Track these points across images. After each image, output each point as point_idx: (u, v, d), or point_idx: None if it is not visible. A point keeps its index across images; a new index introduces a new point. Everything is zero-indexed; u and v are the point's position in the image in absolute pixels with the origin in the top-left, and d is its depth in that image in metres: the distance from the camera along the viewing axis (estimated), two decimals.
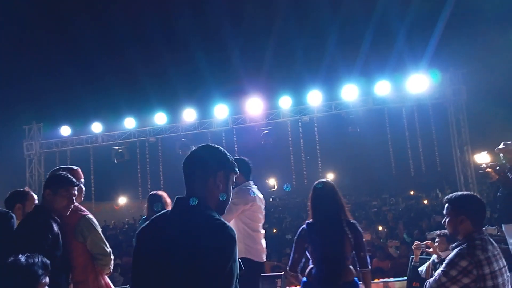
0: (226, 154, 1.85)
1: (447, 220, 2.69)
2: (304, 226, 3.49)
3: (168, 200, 4.75)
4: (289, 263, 3.53)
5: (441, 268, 2.56)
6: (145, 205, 4.75)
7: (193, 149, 1.89)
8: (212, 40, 16.23)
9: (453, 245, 2.65)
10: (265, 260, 4.00)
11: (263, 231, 4.07)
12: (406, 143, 11.82)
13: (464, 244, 2.54)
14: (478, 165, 6.26)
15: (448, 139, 11.41)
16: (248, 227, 3.85)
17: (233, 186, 1.91)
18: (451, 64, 11.42)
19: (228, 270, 1.56)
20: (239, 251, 3.53)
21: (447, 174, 15.11)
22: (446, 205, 2.72)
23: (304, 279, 3.50)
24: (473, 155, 10.92)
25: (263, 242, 4.01)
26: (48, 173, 3.15)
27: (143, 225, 1.83)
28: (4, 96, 14.75)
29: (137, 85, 15.40)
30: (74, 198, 2.94)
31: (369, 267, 3.49)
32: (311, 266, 3.45)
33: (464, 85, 11.19)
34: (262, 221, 4.05)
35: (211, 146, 1.88)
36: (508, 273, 2.52)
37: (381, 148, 13.08)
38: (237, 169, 1.89)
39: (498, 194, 5.50)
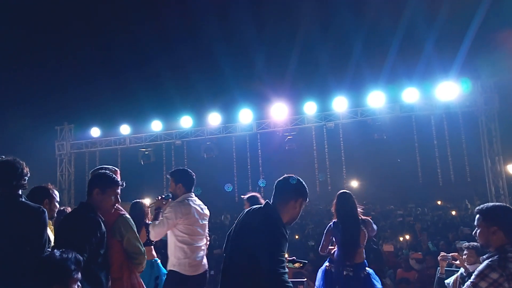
0: (305, 186, 2.70)
1: (478, 231, 2.62)
2: (331, 223, 4.83)
3: (147, 209, 4.90)
4: (320, 247, 4.90)
5: (470, 280, 2.49)
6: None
7: (285, 176, 2.71)
8: (237, 46, 16.38)
9: (484, 257, 2.57)
10: (198, 273, 3.87)
11: (201, 244, 3.98)
12: (435, 152, 11.52)
13: (496, 256, 2.47)
14: (511, 176, 6.06)
15: (478, 148, 11.03)
16: (180, 240, 3.81)
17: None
18: (483, 72, 11.07)
19: (276, 248, 2.39)
20: (171, 264, 3.59)
21: (477, 185, 14.63)
22: (477, 216, 2.65)
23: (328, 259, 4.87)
24: (505, 166, 10.52)
25: (200, 255, 3.93)
26: (91, 172, 3.22)
27: (245, 211, 2.77)
28: (39, 97, 15.38)
29: (164, 89, 15.71)
30: (118, 197, 3.06)
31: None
32: (335, 249, 4.82)
33: (496, 93, 10.82)
34: (202, 234, 3.97)
35: (298, 178, 2.70)
36: None
37: (408, 156, 12.81)
38: (308, 198, 2.71)
39: None
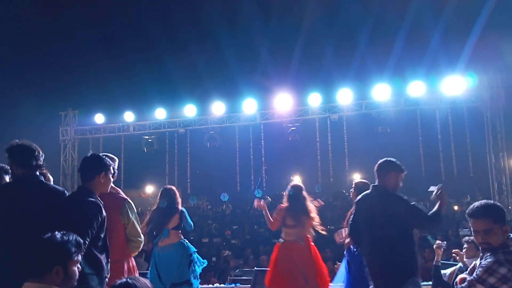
0: (396, 162, 3.59)
1: (491, 235, 2.47)
2: None
3: (178, 195, 4.92)
4: None
5: (476, 275, 2.44)
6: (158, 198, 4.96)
7: (381, 160, 3.64)
8: (243, 35, 16.24)
9: (487, 253, 2.50)
10: None
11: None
12: (438, 147, 11.49)
13: (500, 251, 2.44)
14: None
15: (483, 144, 10.99)
16: None
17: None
18: (490, 67, 10.97)
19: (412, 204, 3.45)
20: None
21: (480, 180, 14.56)
22: (484, 219, 2.50)
23: None
24: (509, 162, 10.49)
25: None
26: (85, 160, 3.14)
27: (359, 198, 3.68)
28: (44, 82, 15.39)
29: (169, 77, 15.65)
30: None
31: None
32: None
33: (503, 89, 10.74)
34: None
35: (392, 160, 3.61)
36: None
37: (411, 150, 12.74)
38: (403, 170, 3.59)
39: None
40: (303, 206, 4.80)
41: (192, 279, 4.67)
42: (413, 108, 11.41)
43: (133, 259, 3.35)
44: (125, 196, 3.31)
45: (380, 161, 3.64)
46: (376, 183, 3.60)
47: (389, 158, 3.64)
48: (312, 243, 4.86)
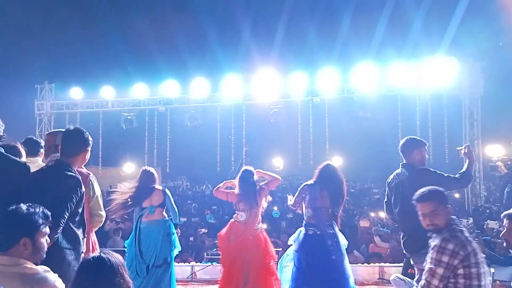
0: (418, 139, 3.97)
1: (437, 216, 2.69)
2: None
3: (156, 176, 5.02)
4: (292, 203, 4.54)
5: (429, 260, 2.59)
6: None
7: (403, 140, 4.00)
8: (226, 15, 16.00)
9: (434, 234, 2.70)
10: None
11: None
12: (416, 133, 11.66)
13: (445, 230, 2.65)
14: (488, 159, 6.21)
15: (459, 131, 11.24)
16: None
17: None
18: (470, 55, 11.13)
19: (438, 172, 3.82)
20: None
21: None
22: (429, 202, 2.72)
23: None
24: (484, 150, 10.78)
25: None
26: (69, 134, 2.98)
27: (390, 178, 4.01)
28: (18, 53, 14.79)
29: (150, 53, 15.31)
30: None
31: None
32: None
33: (482, 77, 10.93)
34: None
35: (413, 137, 4.04)
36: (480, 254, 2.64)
37: (390, 135, 12.93)
38: (425, 143, 3.96)
39: (506, 189, 5.50)
40: (253, 192, 4.61)
41: (169, 259, 4.70)
42: (394, 94, 11.53)
43: (94, 234, 3.41)
44: (89, 171, 3.38)
45: (402, 141, 3.96)
46: (404, 162, 3.93)
47: (409, 137, 4.00)
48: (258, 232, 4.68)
